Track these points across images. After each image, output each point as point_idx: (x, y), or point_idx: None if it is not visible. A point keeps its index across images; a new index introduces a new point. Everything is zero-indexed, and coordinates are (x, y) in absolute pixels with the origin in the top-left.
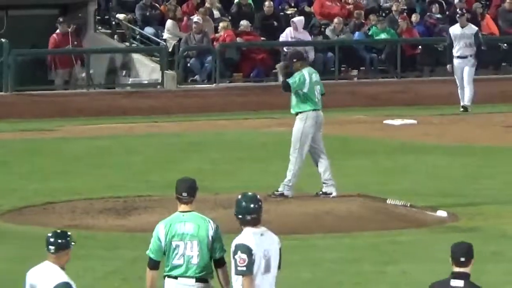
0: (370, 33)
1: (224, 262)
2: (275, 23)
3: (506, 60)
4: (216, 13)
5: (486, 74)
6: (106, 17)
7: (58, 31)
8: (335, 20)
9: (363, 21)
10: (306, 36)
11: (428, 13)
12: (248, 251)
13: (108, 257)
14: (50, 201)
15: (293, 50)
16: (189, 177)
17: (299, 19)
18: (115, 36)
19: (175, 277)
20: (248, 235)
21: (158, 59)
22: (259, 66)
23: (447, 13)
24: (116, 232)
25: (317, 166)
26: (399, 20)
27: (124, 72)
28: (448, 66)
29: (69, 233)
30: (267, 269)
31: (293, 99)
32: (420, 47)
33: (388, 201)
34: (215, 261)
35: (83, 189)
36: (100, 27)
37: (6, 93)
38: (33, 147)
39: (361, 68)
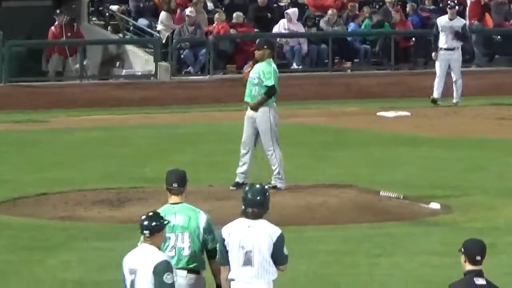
0: (363, 25)
1: (216, 253)
2: (269, 15)
3: (500, 52)
4: (210, 5)
5: (480, 66)
6: (100, 8)
7: (56, 23)
8: (329, 11)
9: (357, 13)
10: (300, 28)
11: (420, 6)
12: (221, 240)
13: (101, 248)
14: (43, 192)
15: (264, 38)
16: (179, 168)
17: (293, 11)
18: (109, 28)
19: None
20: (231, 225)
21: (151, 50)
22: (252, 58)
23: (440, 5)
24: (109, 224)
25: (247, 155)
26: (392, 12)
27: (118, 64)
28: (433, 54)
29: (161, 213)
30: (247, 262)
31: (257, 90)
32: (413, 39)
33: (382, 193)
34: (207, 252)
35: (77, 180)
36: (94, 19)
37: (0, 84)
38: (27, 138)
39: (355, 60)
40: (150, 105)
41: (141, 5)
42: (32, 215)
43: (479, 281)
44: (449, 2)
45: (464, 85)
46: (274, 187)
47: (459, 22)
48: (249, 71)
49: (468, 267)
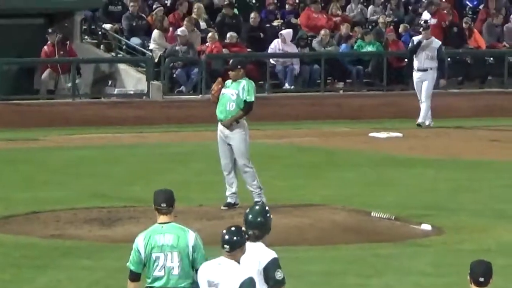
0: (356, 45)
1: None
2: (262, 35)
3: (492, 74)
4: (203, 24)
5: (472, 88)
6: (93, 27)
7: (48, 42)
8: (322, 32)
9: (350, 34)
10: (293, 49)
11: (414, 26)
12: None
13: (91, 267)
14: (34, 211)
15: (237, 59)
16: (166, 188)
17: (287, 32)
18: (101, 46)
19: None
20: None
21: (144, 69)
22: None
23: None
24: (100, 242)
25: (232, 174)
26: (386, 34)
27: (110, 82)
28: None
29: (242, 228)
30: None
31: (233, 106)
32: (406, 59)
33: (373, 214)
34: (196, 271)
35: (68, 199)
36: (86, 37)
37: None
38: (18, 156)
39: (347, 80)
40: (142, 124)
41: (134, 24)
42: (23, 233)
43: None
44: (422, 23)
45: (457, 106)
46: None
47: (435, 43)
48: (220, 88)
49: None
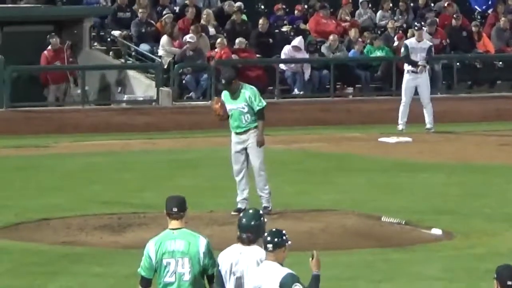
0: (365, 51)
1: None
2: (270, 41)
3: (501, 78)
4: (212, 30)
5: (482, 92)
6: (102, 33)
7: (49, 47)
8: (331, 37)
9: (359, 39)
10: (304, 55)
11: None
12: (217, 265)
13: (102, 273)
14: (45, 218)
15: (225, 71)
16: (179, 194)
17: (299, 40)
18: (110, 53)
19: None
20: (226, 250)
21: (153, 75)
22: (254, 83)
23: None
24: (110, 249)
25: (244, 180)
26: (395, 39)
27: (119, 89)
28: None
29: (283, 231)
30: (238, 287)
31: (248, 117)
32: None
33: (383, 219)
34: (207, 277)
35: (78, 206)
36: (95, 44)
37: (1, 109)
38: (28, 163)
39: (357, 85)
40: (152, 130)
41: (143, 30)
42: (33, 240)
43: None
44: (415, 23)
45: (466, 110)
46: (268, 210)
47: (426, 45)
48: (222, 105)
49: None
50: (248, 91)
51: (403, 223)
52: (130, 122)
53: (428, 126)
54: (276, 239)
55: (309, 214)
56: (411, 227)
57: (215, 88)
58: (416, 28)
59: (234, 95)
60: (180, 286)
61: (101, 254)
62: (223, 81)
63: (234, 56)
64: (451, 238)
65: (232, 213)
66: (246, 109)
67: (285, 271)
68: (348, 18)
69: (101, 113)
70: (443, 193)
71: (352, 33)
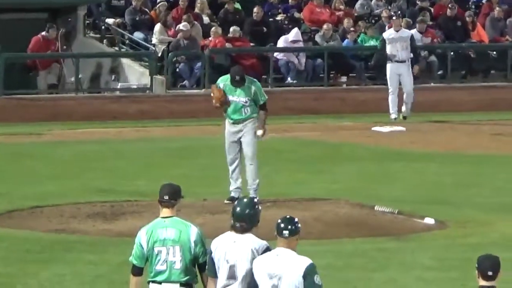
0: (359, 40)
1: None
2: (265, 29)
3: (495, 68)
4: (206, 19)
5: (475, 82)
6: (96, 21)
7: (43, 33)
8: (324, 26)
9: (353, 29)
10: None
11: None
12: (209, 253)
13: (95, 261)
14: (38, 205)
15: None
16: (173, 183)
17: (295, 33)
18: (105, 41)
19: (159, 283)
20: (219, 238)
21: (147, 64)
22: (248, 72)
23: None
24: (103, 237)
25: (238, 169)
26: (386, 27)
27: (113, 77)
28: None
29: (296, 219)
30: (231, 276)
31: (248, 110)
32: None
33: (376, 208)
34: (198, 266)
35: (71, 193)
36: (89, 32)
37: None
38: (21, 151)
39: (351, 74)
40: (145, 118)
41: (137, 18)
42: (26, 227)
43: None
44: (393, 13)
45: (460, 100)
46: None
47: (406, 33)
48: (222, 92)
49: (481, 282)
50: (254, 86)
51: (396, 212)
52: (123, 110)
53: (404, 114)
54: (290, 226)
55: (302, 203)
56: (404, 216)
57: (208, 77)
58: (393, 17)
59: (240, 88)
60: (171, 274)
61: (94, 242)
62: (237, 78)
63: (228, 45)
64: (444, 228)
65: (225, 201)
66: (248, 103)
67: (306, 259)
68: (342, 7)
69: (94, 101)
70: (436, 182)
71: (346, 22)
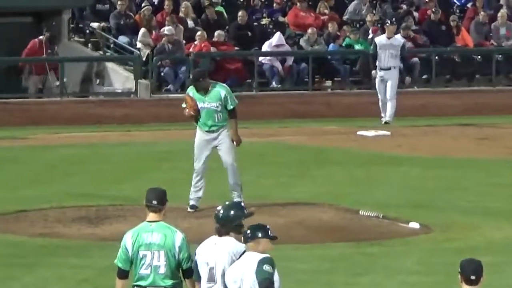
0: (344, 44)
1: (192, 273)
2: (249, 33)
3: (480, 72)
4: (191, 23)
5: (460, 86)
6: (80, 25)
7: (41, 37)
8: (309, 30)
9: (338, 33)
10: (287, 48)
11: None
12: (192, 260)
13: (80, 265)
14: (22, 209)
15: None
16: (160, 187)
17: (279, 38)
18: (89, 45)
19: (144, 287)
20: (204, 241)
21: (132, 68)
22: (233, 76)
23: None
24: (88, 241)
25: (203, 179)
26: (370, 32)
27: (97, 81)
28: (373, 72)
29: (267, 226)
30: (211, 278)
31: (221, 116)
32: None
33: (361, 212)
34: (183, 271)
35: (56, 197)
36: (74, 36)
37: None
38: (5, 155)
39: (335, 79)
40: (130, 122)
41: (122, 22)
42: (11, 231)
43: None
44: (387, 20)
45: (445, 104)
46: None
47: (397, 41)
48: (194, 101)
49: (464, 287)
50: (224, 90)
51: (381, 216)
52: (108, 114)
53: (387, 119)
54: (249, 232)
55: (286, 207)
56: (389, 220)
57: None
58: (387, 23)
59: (206, 93)
60: (155, 279)
61: (79, 246)
62: (191, 77)
63: (212, 49)
64: (429, 232)
65: (189, 210)
66: (219, 108)
67: (263, 255)
68: (326, 11)
69: (79, 105)
70: (421, 186)
71: (331, 26)
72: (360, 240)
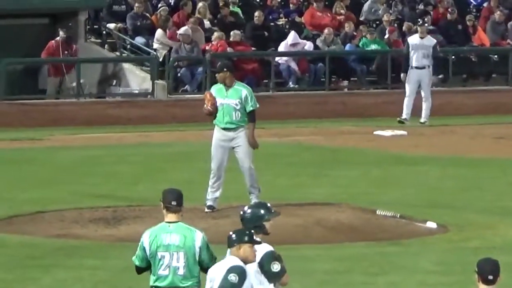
0: (360, 44)
1: None
2: (266, 34)
3: (497, 71)
4: (207, 23)
5: (477, 86)
6: (97, 26)
7: (58, 38)
8: (326, 30)
9: (354, 33)
10: (303, 45)
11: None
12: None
13: (97, 266)
14: (39, 210)
15: (224, 62)
16: (175, 187)
17: (294, 37)
18: (106, 46)
19: None
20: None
21: (148, 68)
22: (249, 76)
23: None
24: (105, 242)
25: (221, 180)
26: (387, 32)
27: (114, 82)
28: (402, 75)
29: (247, 231)
30: None
31: (238, 115)
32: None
33: (378, 212)
34: (204, 271)
35: (73, 199)
36: (90, 37)
37: None
38: (23, 156)
39: (352, 79)
40: (147, 123)
41: (138, 23)
42: (27, 233)
43: None
44: (419, 20)
45: (462, 103)
46: None
47: (430, 41)
48: (213, 98)
49: (481, 286)
50: (246, 90)
51: (398, 216)
52: (125, 115)
53: (422, 120)
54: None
55: (304, 208)
56: (406, 220)
57: (210, 81)
58: (419, 24)
59: (228, 90)
60: (174, 279)
61: (96, 247)
62: (217, 67)
63: (229, 49)
64: (446, 231)
65: (206, 211)
66: (238, 106)
67: (237, 262)
68: (343, 11)
69: (96, 106)
70: (438, 186)
71: (347, 26)
72: (377, 240)
